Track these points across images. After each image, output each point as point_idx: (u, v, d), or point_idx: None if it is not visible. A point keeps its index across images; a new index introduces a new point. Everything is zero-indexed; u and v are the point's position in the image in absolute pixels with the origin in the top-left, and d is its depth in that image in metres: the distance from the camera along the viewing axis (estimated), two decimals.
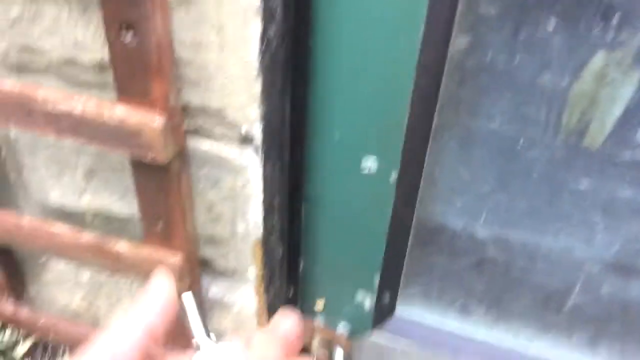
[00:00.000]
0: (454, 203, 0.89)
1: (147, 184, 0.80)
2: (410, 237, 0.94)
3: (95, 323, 1.16)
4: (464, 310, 1.01)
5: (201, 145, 0.80)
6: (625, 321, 0.91)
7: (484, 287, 0.96)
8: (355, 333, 1.06)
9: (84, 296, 1.13)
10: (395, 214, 0.86)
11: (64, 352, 1.18)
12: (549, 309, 0.95)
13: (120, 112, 0.72)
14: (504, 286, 0.95)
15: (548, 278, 0.91)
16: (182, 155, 0.78)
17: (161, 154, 0.73)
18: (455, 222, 0.91)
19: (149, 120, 0.71)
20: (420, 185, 0.85)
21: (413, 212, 0.90)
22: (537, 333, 0.98)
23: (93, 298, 1.12)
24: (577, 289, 0.91)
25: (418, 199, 0.89)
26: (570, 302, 0.92)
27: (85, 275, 1.10)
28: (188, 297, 0.42)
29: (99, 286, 1.10)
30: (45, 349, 1.20)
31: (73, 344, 1.16)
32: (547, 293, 0.93)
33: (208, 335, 0.41)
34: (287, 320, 0.43)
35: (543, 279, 0.92)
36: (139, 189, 0.81)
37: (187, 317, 0.42)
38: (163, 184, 0.78)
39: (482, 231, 0.90)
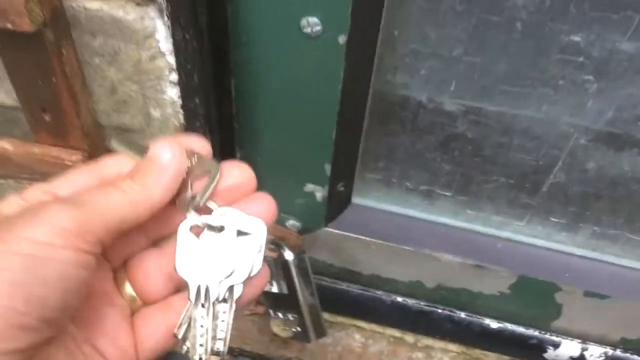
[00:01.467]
0: (418, 70, 0.73)
1: (17, 62, 0.60)
2: (366, 114, 0.78)
3: None
4: (429, 197, 0.88)
5: (87, 3, 0.60)
6: (612, 199, 0.79)
7: (452, 168, 0.83)
8: (307, 228, 0.93)
9: None
10: (347, 86, 0.69)
11: None
12: (524, 191, 0.83)
13: None
14: (474, 167, 0.82)
15: (526, 155, 0.78)
16: (59, 20, 0.58)
17: (24, 18, 0.53)
18: (419, 93, 0.75)
19: None
20: (377, 49, 0.68)
21: (369, 83, 0.74)
22: (510, 218, 0.87)
23: None
24: (558, 166, 0.78)
25: (374, 66, 0.72)
26: (549, 182, 0.80)
27: None
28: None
29: None
30: None
31: None
32: (524, 172, 0.80)
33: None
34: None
35: (520, 156, 0.78)
36: (10, 69, 0.61)
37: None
38: (39, 61, 0.59)
39: (450, 103, 0.75)
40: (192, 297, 0.39)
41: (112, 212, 0.35)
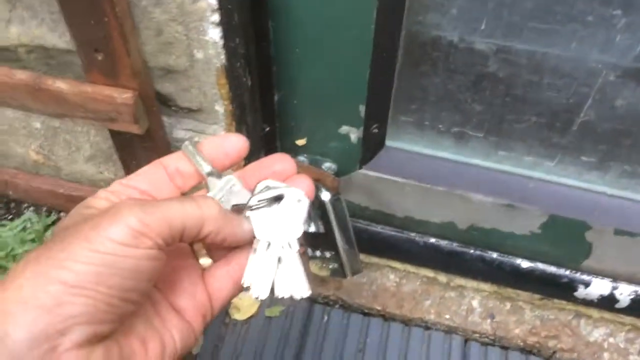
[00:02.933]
0: (449, 9, 0.75)
1: (72, 3, 0.65)
2: (399, 56, 0.81)
3: (57, 174, 1.06)
4: (461, 138, 0.91)
5: None
6: None
7: (483, 109, 0.85)
8: (342, 171, 0.97)
9: (41, 145, 1.02)
10: (380, 26, 0.72)
11: (27, 208, 1.10)
12: (555, 130, 0.84)
13: None
14: (505, 107, 0.84)
15: (556, 93, 0.80)
16: None
17: None
18: (451, 33, 0.77)
19: None
20: None
21: (401, 23, 0.76)
22: (541, 158, 0.89)
23: (50, 147, 1.02)
24: (588, 103, 0.79)
25: (406, 5, 0.74)
26: (579, 120, 0.82)
27: (37, 122, 0.98)
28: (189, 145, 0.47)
29: (53, 134, 0.99)
30: (7, 205, 1.12)
31: (36, 199, 1.08)
32: (554, 111, 0.82)
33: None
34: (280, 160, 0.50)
35: (550, 95, 0.80)
36: (65, 11, 0.66)
37: (194, 159, 0.47)
38: (92, 2, 0.64)
39: (481, 42, 0.77)
40: (262, 249, 0.47)
41: (178, 219, 0.41)
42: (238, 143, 0.48)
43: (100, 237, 0.37)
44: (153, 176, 0.47)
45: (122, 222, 0.37)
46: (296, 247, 0.47)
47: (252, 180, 0.49)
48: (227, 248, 0.47)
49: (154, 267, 0.39)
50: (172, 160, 0.48)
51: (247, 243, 0.47)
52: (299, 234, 0.47)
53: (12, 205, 1.12)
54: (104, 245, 0.36)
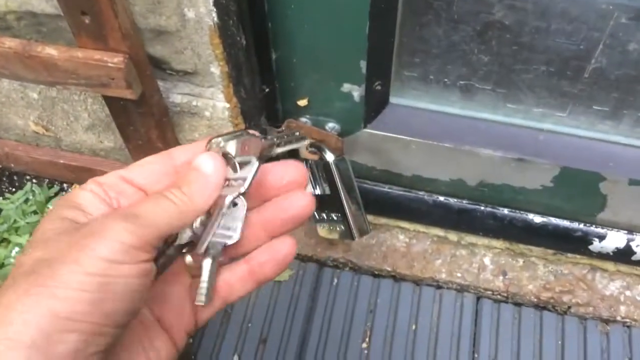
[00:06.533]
0: None
1: None
2: (399, 6, 0.77)
3: (57, 145, 1.05)
4: (468, 92, 0.87)
5: None
6: None
7: (490, 59, 0.82)
8: (346, 131, 0.94)
9: (40, 116, 1.01)
10: None
11: (29, 180, 1.09)
12: (565, 78, 0.81)
13: None
14: (512, 56, 0.80)
15: (565, 39, 0.76)
16: None
17: None
18: None
19: None
20: None
21: None
22: (551, 109, 0.85)
23: (49, 118, 1.00)
24: (599, 49, 0.75)
25: None
26: (590, 67, 0.78)
27: (34, 93, 0.97)
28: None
29: (51, 104, 0.97)
30: (10, 178, 1.11)
31: (37, 170, 1.07)
32: (564, 58, 0.78)
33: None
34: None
35: (559, 41, 0.76)
36: None
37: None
38: None
39: None
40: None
41: (164, 222, 0.39)
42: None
43: (89, 258, 0.35)
44: (156, 168, 0.45)
45: (111, 238, 0.36)
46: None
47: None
48: None
49: (146, 284, 0.38)
50: (182, 153, 0.46)
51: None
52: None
53: (15, 177, 1.11)
54: (96, 266, 0.35)
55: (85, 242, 0.36)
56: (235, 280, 0.46)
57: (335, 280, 1.07)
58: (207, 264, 0.44)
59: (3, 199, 1.07)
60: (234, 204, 0.45)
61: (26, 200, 1.03)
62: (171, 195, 0.41)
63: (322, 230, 0.99)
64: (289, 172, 0.48)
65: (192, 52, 0.78)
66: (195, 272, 0.45)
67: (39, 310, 0.33)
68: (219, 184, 0.43)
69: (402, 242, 1.07)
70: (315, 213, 0.97)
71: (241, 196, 0.44)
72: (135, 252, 0.36)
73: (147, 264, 0.38)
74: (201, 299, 0.43)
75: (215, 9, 0.71)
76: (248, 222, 0.46)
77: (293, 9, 0.76)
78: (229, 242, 0.45)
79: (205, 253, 0.44)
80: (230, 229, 0.45)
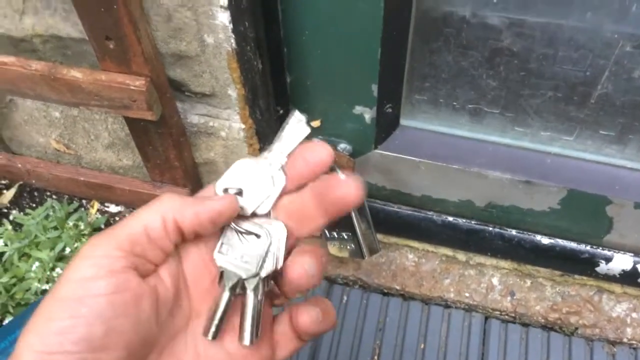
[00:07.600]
0: None
1: None
2: (410, 33, 0.80)
3: (77, 162, 1.08)
4: (476, 115, 0.90)
5: None
6: None
7: (498, 84, 0.84)
8: (357, 152, 0.96)
9: (61, 135, 1.04)
10: (390, 3, 0.72)
11: (49, 196, 1.12)
12: (572, 103, 0.83)
13: None
14: (520, 81, 0.83)
15: (572, 66, 0.78)
16: None
17: None
18: (463, 8, 0.76)
19: None
20: None
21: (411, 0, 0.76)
22: (559, 133, 0.87)
23: (70, 136, 1.04)
24: (605, 75, 0.78)
25: None
26: (596, 93, 0.80)
27: (56, 112, 1.00)
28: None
29: (73, 122, 1.00)
30: (31, 194, 1.14)
31: (58, 187, 1.10)
32: (571, 84, 0.80)
33: None
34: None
35: (566, 68, 0.79)
36: (75, 0, 0.67)
37: None
38: None
39: (494, 16, 0.76)
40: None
41: (138, 228, 0.38)
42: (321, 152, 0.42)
43: (69, 282, 0.34)
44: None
45: (87, 258, 0.35)
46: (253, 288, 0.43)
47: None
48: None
49: (137, 297, 0.36)
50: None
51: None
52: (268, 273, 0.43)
53: (35, 193, 1.14)
54: (75, 291, 0.34)
55: (64, 273, 0.36)
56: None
57: (345, 298, 1.09)
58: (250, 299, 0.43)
59: (24, 214, 1.11)
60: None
61: (47, 216, 1.06)
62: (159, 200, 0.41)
63: (333, 249, 1.01)
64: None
65: (211, 75, 0.81)
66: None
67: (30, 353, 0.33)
68: (229, 217, 0.42)
69: (411, 261, 1.09)
70: (326, 231, 0.99)
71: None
72: (109, 263, 0.35)
73: (131, 274, 0.36)
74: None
75: (234, 36, 0.74)
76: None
77: (307, 35, 0.79)
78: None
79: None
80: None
